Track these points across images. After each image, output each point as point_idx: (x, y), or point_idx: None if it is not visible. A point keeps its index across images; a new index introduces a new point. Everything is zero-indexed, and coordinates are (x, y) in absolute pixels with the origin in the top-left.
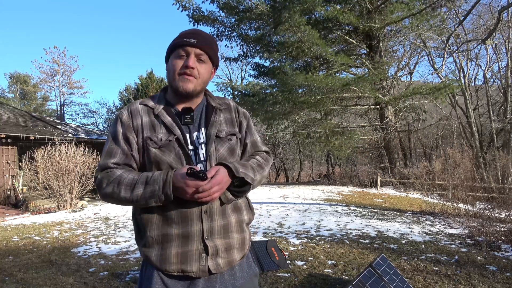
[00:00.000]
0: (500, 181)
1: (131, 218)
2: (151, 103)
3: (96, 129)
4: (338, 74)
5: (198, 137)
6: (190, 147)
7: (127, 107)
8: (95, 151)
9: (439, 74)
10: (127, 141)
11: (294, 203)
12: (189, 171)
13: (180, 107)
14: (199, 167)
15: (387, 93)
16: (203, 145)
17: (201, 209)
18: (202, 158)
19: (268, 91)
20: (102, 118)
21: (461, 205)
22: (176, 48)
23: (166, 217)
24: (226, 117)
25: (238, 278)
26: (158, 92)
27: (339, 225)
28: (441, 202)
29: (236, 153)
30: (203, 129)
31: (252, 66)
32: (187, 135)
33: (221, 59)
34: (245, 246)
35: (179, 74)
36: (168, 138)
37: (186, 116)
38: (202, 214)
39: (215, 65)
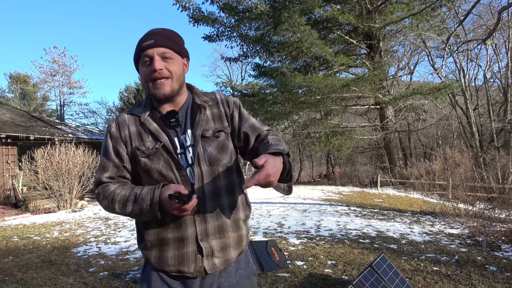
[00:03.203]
0: (500, 181)
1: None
2: (137, 111)
3: (96, 129)
4: (338, 74)
5: (185, 140)
6: (180, 150)
7: (115, 119)
8: (95, 151)
9: (439, 74)
10: (117, 154)
11: (294, 203)
12: (172, 195)
13: (165, 110)
14: (188, 171)
15: (387, 93)
16: (190, 148)
17: (194, 213)
18: (190, 162)
19: (268, 91)
20: (102, 118)
21: (461, 205)
22: (139, 56)
23: (162, 223)
24: (213, 112)
25: (234, 275)
26: (145, 97)
27: (339, 225)
28: (441, 202)
29: (228, 148)
30: (189, 130)
31: (252, 66)
32: (175, 139)
33: (221, 59)
34: (242, 243)
35: (151, 81)
36: (155, 146)
37: (171, 120)
38: (194, 217)
39: (185, 56)
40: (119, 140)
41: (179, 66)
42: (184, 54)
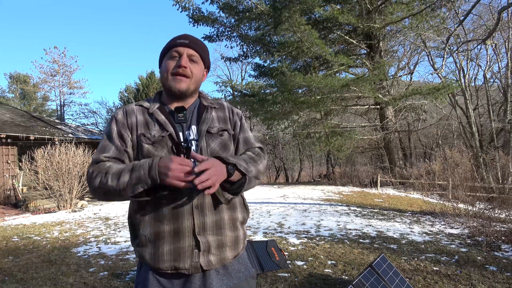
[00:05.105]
0: (500, 181)
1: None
2: (146, 104)
3: (96, 129)
4: (338, 74)
5: (189, 134)
6: (184, 145)
7: (122, 108)
8: (95, 151)
9: (439, 74)
10: (121, 138)
11: (294, 203)
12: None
13: (173, 107)
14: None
15: (387, 93)
16: (193, 142)
17: (192, 204)
18: None
19: (268, 91)
20: (102, 118)
21: (461, 205)
22: (169, 50)
23: (158, 214)
24: (218, 115)
25: (233, 277)
26: (153, 95)
27: (339, 225)
28: (441, 202)
29: (229, 148)
30: (193, 126)
31: (253, 66)
32: (180, 133)
33: (221, 59)
34: (239, 246)
35: (172, 74)
36: (161, 134)
37: (179, 115)
38: (193, 209)
39: (207, 67)
40: (125, 125)
41: (200, 72)
42: (207, 64)
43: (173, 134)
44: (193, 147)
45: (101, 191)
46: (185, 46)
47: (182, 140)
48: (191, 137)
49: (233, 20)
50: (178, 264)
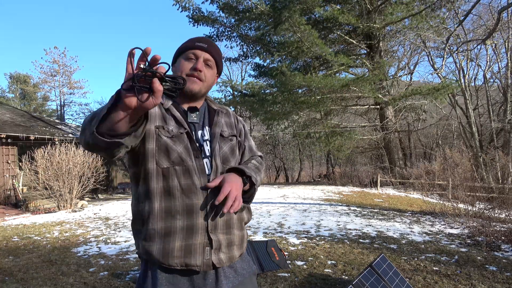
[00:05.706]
0: (500, 181)
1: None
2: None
3: None
4: (338, 74)
5: (202, 135)
6: (196, 144)
7: None
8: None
9: (439, 74)
10: None
11: (294, 203)
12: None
13: (185, 107)
14: (205, 162)
15: (387, 93)
16: (207, 142)
17: (207, 201)
18: (207, 154)
19: (268, 91)
20: None
21: (461, 205)
22: (186, 51)
23: (170, 209)
24: (226, 120)
25: (238, 275)
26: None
27: (339, 225)
28: (441, 202)
29: (236, 153)
30: (207, 127)
31: (252, 66)
32: (192, 133)
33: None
34: (244, 244)
35: (186, 75)
36: (179, 131)
37: (191, 115)
38: (207, 208)
39: (219, 72)
40: None
41: (213, 76)
42: (220, 70)
43: (190, 132)
44: (208, 147)
45: (86, 136)
46: (203, 50)
47: (195, 139)
48: (206, 138)
49: (233, 20)
50: (189, 261)
